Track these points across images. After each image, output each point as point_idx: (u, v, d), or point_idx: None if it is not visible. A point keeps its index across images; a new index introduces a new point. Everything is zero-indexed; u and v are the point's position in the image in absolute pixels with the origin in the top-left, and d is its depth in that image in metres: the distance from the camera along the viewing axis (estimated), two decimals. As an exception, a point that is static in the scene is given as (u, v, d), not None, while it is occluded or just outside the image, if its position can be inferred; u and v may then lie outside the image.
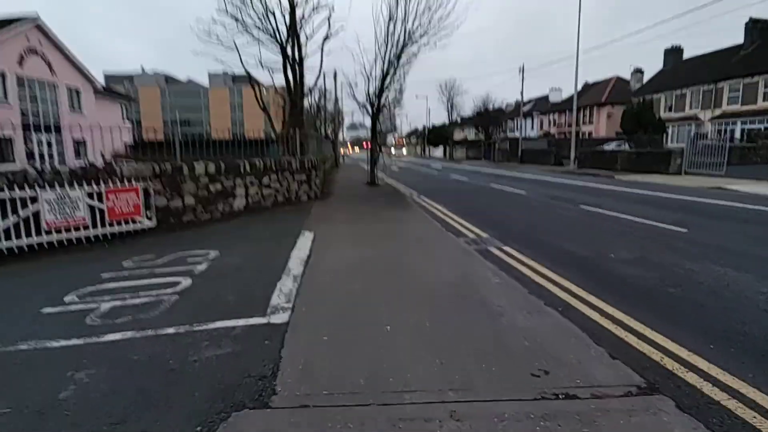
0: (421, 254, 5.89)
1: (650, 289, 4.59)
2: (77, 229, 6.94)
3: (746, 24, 33.92)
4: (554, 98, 66.35)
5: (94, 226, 7.16)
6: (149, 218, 7.87)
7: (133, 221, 7.66)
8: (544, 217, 9.46)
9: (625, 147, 32.45)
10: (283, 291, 4.27)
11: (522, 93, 37.72)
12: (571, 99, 57.18)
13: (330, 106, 35.47)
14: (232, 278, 4.85)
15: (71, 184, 6.90)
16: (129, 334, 3.43)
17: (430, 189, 15.95)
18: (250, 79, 14.63)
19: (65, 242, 6.80)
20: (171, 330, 3.48)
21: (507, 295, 4.29)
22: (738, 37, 35.02)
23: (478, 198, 13.22)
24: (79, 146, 26.44)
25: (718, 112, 33.06)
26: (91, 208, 7.13)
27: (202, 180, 8.80)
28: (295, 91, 14.67)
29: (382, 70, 15.05)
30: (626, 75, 51.34)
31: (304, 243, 6.40)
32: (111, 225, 7.38)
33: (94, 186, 7.17)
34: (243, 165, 9.56)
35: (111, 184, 7.36)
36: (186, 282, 4.73)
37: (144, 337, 3.37)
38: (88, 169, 7.47)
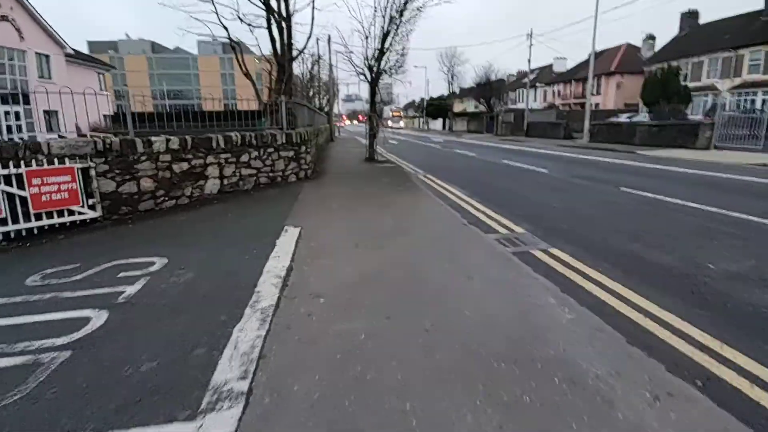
0: (447, 265, 4.27)
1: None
2: (-18, 225, 5.28)
3: (771, -14, 31.52)
4: (558, 68, 63.53)
5: (14, 220, 5.48)
6: (92, 207, 6.18)
7: (70, 212, 5.97)
8: (584, 203, 7.80)
9: (639, 118, 30.59)
10: (239, 348, 2.64)
11: (529, 61, 35.44)
12: (576, 68, 54.74)
13: (324, 76, 33.17)
14: (166, 315, 3.21)
15: (-30, 166, 5.19)
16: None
17: (436, 166, 14.21)
18: (229, 38, 12.62)
19: (-36, 244, 5.15)
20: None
21: (597, 349, 2.70)
22: (757, 2, 32.68)
23: (495, 177, 11.52)
24: (51, 117, 24.29)
25: (737, 81, 31.03)
26: (8, 196, 5.44)
27: (163, 158, 7.06)
28: (282, 52, 12.71)
29: (382, 29, 13.05)
30: (637, 42, 48.83)
31: (286, 246, 4.76)
32: (38, 218, 5.70)
33: (12, 168, 5.45)
34: (216, 140, 7.79)
35: (35, 164, 5.64)
36: (97, 320, 3.11)
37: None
38: (2, 145, 5.72)
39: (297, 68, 30.51)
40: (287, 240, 4.98)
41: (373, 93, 13.83)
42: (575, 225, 6.16)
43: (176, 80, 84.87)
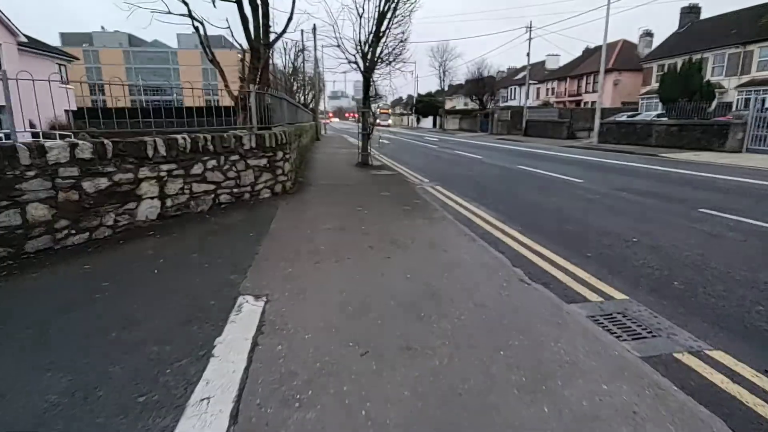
0: (539, 410, 2.09)
1: None
2: None
3: (780, -21, 30.13)
4: (550, 65, 61.90)
5: None
6: (-67, 256, 3.86)
7: None
8: (678, 237, 5.62)
9: (642, 117, 28.90)
10: None
11: (528, 55, 33.53)
12: (571, 65, 53.09)
13: (309, 69, 30.76)
14: None
15: None
16: None
17: (441, 173, 12.06)
18: (190, 15, 10.23)
19: None
20: None
21: None
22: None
23: (521, 190, 9.41)
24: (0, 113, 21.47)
25: (745, 78, 29.57)
26: None
27: (67, 173, 4.74)
28: (256, 34, 10.38)
29: (378, 9, 10.84)
30: (632, 38, 47.33)
31: (230, 360, 2.52)
32: None
33: None
34: (152, 145, 5.49)
35: None
36: None
37: None
38: None
39: (279, 59, 28.05)
40: (237, 338, 2.74)
41: (367, 86, 11.59)
42: (698, 280, 4.04)
43: (155, 75, 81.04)
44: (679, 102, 20.31)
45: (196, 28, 10.62)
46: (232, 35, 11.77)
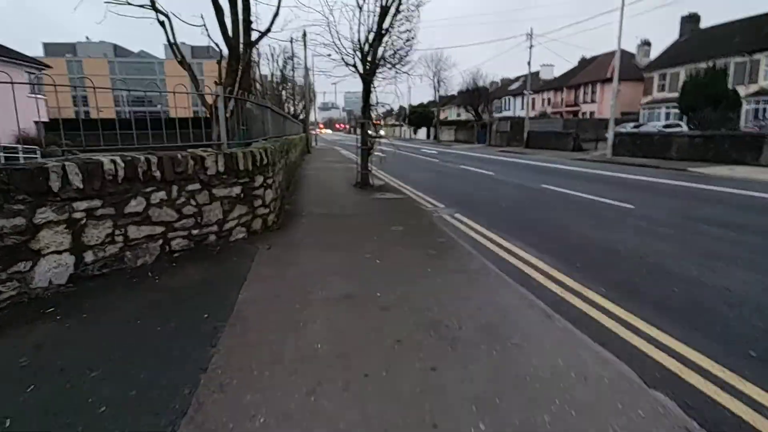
0: None
1: None
2: None
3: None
4: (545, 75, 61.03)
5: None
6: None
7: None
8: None
9: (648, 128, 27.62)
10: None
11: (529, 63, 32.18)
12: (567, 76, 52.06)
13: (299, 78, 29.07)
14: None
15: None
16: None
17: (455, 194, 10.30)
18: (153, 6, 8.40)
19: None
20: None
21: None
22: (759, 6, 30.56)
23: (564, 220, 7.65)
24: (-46, 125, 19.28)
25: (753, 88, 28.49)
26: None
27: None
28: (235, 30, 8.61)
29: (380, 1, 9.14)
30: (628, 48, 46.48)
31: None
32: None
33: None
34: (59, 174, 3.62)
35: None
36: None
37: None
38: None
39: (266, 68, 26.29)
40: None
41: (367, 91, 9.83)
42: None
43: (141, 86, 78.82)
44: (701, 111, 18.87)
45: (162, 23, 8.80)
46: (208, 33, 9.97)
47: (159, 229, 4.42)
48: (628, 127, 30.74)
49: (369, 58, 9.65)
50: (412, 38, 9.58)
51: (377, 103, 10.07)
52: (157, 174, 4.32)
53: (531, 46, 31.12)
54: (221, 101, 5.28)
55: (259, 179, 5.55)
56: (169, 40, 8.85)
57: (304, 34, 24.67)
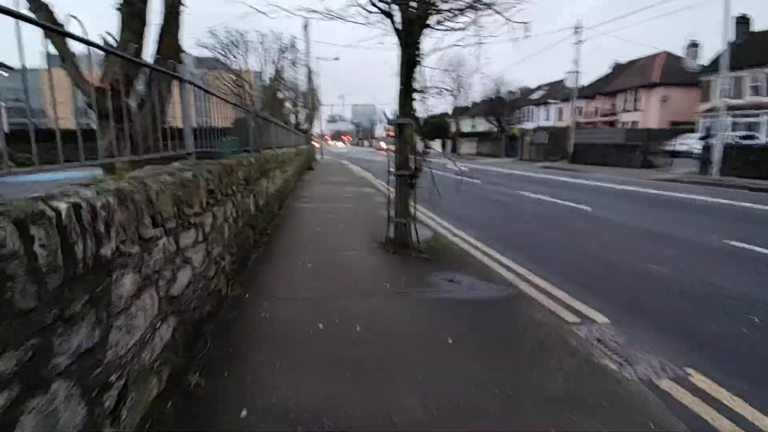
0: None
1: None
2: None
3: None
4: (570, 83, 55.96)
5: None
6: None
7: None
8: None
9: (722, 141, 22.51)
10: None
11: (576, 62, 27.36)
12: (600, 83, 46.73)
13: (300, 81, 24.33)
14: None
15: None
16: None
17: (589, 265, 5.17)
18: None
19: None
20: None
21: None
22: None
23: None
24: None
25: None
26: None
27: None
28: None
29: None
30: (674, 50, 41.32)
31: None
32: None
33: None
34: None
35: None
36: None
37: None
38: None
39: (255, 63, 21.47)
40: None
41: (411, 63, 4.82)
42: None
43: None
44: None
45: None
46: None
47: None
48: (694, 139, 26.11)
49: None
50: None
51: (426, 86, 5.12)
52: None
53: (579, 42, 26.25)
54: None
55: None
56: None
57: (306, 26, 20.02)
